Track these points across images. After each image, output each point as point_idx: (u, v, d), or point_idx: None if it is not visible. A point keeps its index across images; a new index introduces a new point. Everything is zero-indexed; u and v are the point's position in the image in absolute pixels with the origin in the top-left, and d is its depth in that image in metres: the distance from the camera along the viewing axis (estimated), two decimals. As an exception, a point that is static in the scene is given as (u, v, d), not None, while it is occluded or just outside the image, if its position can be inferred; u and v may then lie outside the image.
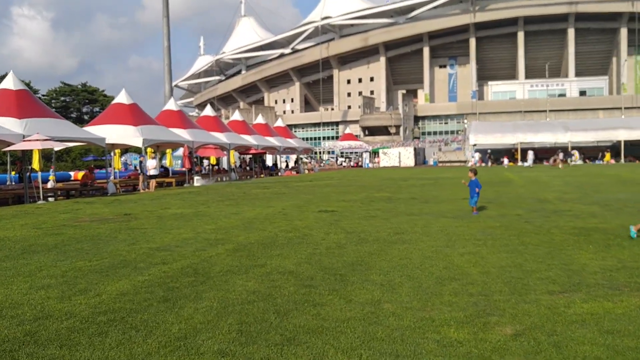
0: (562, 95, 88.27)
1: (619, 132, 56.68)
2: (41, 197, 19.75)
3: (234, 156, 39.39)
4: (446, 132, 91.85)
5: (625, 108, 76.64)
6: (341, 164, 74.23)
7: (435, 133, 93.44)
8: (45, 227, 11.60)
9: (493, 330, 4.27)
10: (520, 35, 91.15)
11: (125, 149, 37.87)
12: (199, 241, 9.16)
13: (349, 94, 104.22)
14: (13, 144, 19.12)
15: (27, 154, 20.16)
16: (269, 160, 54.83)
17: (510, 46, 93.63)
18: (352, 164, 72.96)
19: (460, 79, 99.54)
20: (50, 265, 7.38)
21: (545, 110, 75.11)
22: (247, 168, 44.29)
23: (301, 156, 55.15)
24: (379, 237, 9.05)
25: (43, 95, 79.84)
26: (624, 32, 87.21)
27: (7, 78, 21.62)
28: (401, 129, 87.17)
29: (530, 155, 51.63)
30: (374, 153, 70.17)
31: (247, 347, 4.00)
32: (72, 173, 32.28)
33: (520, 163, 55.59)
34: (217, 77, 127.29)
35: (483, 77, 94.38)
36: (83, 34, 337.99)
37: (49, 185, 22.38)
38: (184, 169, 36.07)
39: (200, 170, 35.52)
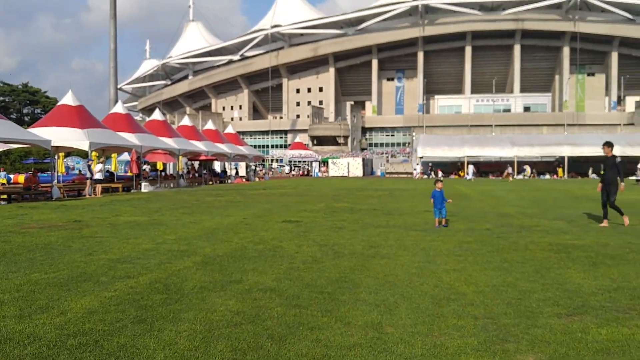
0: (507, 110, 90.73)
1: (563, 148, 58.46)
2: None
3: (181, 162, 38.38)
4: (393, 144, 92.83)
5: (567, 125, 79.39)
6: (289, 173, 73.78)
7: (382, 145, 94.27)
8: (-14, 234, 10.64)
9: (517, 360, 3.90)
10: (468, 50, 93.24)
11: (68, 153, 36.22)
12: (161, 252, 8.50)
13: (298, 103, 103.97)
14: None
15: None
16: (216, 167, 53.78)
17: (457, 61, 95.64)
18: (300, 172, 72.66)
19: (407, 92, 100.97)
20: (0, 277, 6.60)
21: (491, 125, 76.89)
22: (196, 175, 43.18)
23: (251, 164, 54.35)
24: (355, 251, 8.62)
25: (-22, 93, 76.09)
26: (566, 51, 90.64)
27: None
28: (349, 139, 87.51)
29: (471, 169, 53.15)
30: (324, 162, 70.08)
31: (250, 382, 3.48)
32: (11, 176, 30.57)
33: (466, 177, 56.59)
34: (163, 82, 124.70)
35: (430, 90, 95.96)
36: (24, 33, 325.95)
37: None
38: (128, 174, 34.88)
39: (147, 176, 34.26)
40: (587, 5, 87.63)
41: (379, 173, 69.43)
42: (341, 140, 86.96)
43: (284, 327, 4.63)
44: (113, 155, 36.23)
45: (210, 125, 46.60)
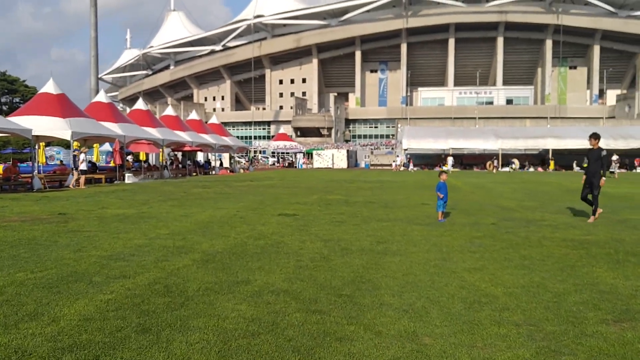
0: (490, 103, 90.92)
1: (548, 141, 58.50)
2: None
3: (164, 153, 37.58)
4: (376, 136, 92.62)
5: (550, 118, 79.74)
6: (273, 164, 73.04)
7: (365, 136, 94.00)
8: (-36, 228, 9.95)
9: (584, 377, 3.44)
10: (451, 42, 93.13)
11: (48, 142, 35.17)
12: (156, 249, 7.92)
13: (281, 95, 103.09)
14: None
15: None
16: (200, 158, 52.90)
17: (440, 53, 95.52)
18: (282, 164, 72.01)
19: (390, 83, 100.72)
20: (-20, 279, 5.98)
21: (474, 118, 76.91)
22: (179, 166, 42.34)
23: (234, 155, 53.59)
24: (363, 247, 8.12)
25: (-46, 81, 73.92)
26: (549, 44, 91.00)
27: None
28: (333, 131, 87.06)
29: (450, 161, 53.35)
30: (308, 154, 69.50)
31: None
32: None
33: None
34: (144, 72, 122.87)
35: (413, 82, 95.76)
36: (2, 22, 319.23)
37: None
38: (110, 164, 34.07)
39: (130, 167, 33.38)
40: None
41: (363, 165, 69.02)
42: (325, 132, 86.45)
43: (308, 338, 4.11)
44: (95, 145, 35.31)
45: (194, 115, 45.73)
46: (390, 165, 62.40)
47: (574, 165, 55.86)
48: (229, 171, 46.89)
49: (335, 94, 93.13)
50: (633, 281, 6.04)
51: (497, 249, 8.05)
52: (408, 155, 61.01)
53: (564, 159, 57.22)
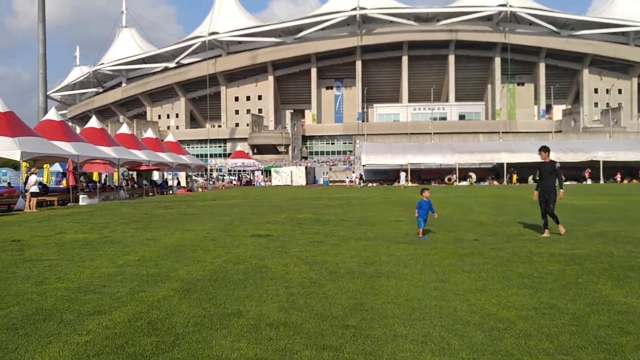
0: (444, 118, 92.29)
1: (501, 155, 59.61)
2: None
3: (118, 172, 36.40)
4: (333, 152, 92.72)
5: (502, 132, 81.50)
6: (231, 182, 71.96)
7: (322, 153, 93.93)
8: None
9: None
10: (405, 60, 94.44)
11: (-6, 163, 33.60)
12: (128, 278, 7.27)
13: (237, 112, 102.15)
14: None
15: None
16: (155, 177, 51.60)
17: (394, 70, 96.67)
18: (238, 183, 71.07)
19: (346, 100, 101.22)
20: None
21: (430, 133, 77.86)
22: (135, 185, 41.07)
23: (191, 174, 52.51)
24: (352, 270, 7.66)
25: None
26: (497, 61, 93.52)
27: None
28: (290, 148, 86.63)
29: (402, 175, 54.24)
30: (266, 172, 68.83)
31: None
32: None
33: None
34: (95, 89, 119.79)
35: (369, 99, 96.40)
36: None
37: None
38: (62, 186, 32.80)
39: (84, 188, 32.08)
40: (516, 18, 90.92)
41: (322, 181, 68.84)
42: (282, 149, 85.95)
43: (328, 381, 3.62)
44: (45, 165, 33.90)
45: (150, 133, 44.58)
46: (352, 181, 62.33)
47: (530, 178, 56.93)
48: (187, 190, 45.81)
49: (292, 111, 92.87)
50: (645, 300, 5.77)
51: (490, 267, 7.72)
52: (361, 173, 61.18)
53: (519, 172, 58.28)
